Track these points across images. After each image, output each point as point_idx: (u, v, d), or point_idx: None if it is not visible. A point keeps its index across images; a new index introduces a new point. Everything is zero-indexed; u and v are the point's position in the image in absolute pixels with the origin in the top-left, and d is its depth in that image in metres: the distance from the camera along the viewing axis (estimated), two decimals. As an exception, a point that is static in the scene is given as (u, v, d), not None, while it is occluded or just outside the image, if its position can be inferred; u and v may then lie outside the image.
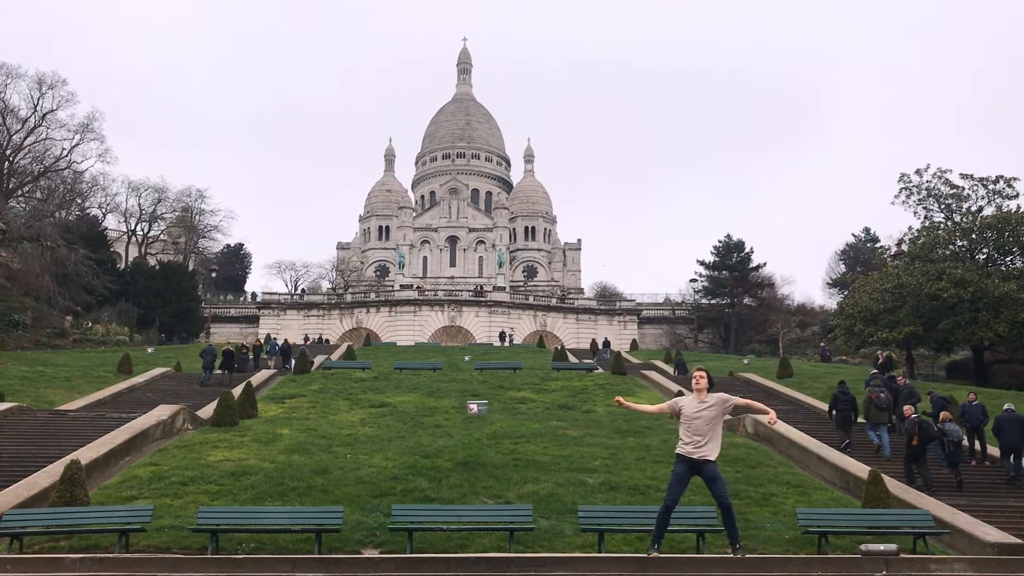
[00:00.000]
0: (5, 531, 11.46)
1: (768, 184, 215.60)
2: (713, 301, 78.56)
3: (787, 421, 21.63)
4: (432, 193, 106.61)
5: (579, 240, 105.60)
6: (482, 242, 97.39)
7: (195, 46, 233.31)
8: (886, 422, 20.15)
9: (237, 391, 24.02)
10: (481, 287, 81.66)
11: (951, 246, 40.20)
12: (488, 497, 14.55)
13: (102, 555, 10.51)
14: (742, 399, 9.93)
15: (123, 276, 62.56)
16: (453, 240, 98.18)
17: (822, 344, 59.11)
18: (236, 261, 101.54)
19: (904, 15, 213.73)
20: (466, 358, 42.72)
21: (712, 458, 9.33)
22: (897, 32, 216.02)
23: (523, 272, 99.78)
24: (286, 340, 48.36)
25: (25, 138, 60.08)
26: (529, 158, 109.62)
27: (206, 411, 22.98)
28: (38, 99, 59.91)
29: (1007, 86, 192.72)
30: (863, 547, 10.18)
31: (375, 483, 15.11)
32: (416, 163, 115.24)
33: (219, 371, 32.84)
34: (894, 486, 14.72)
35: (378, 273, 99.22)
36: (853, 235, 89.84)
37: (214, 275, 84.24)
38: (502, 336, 65.85)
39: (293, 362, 35.77)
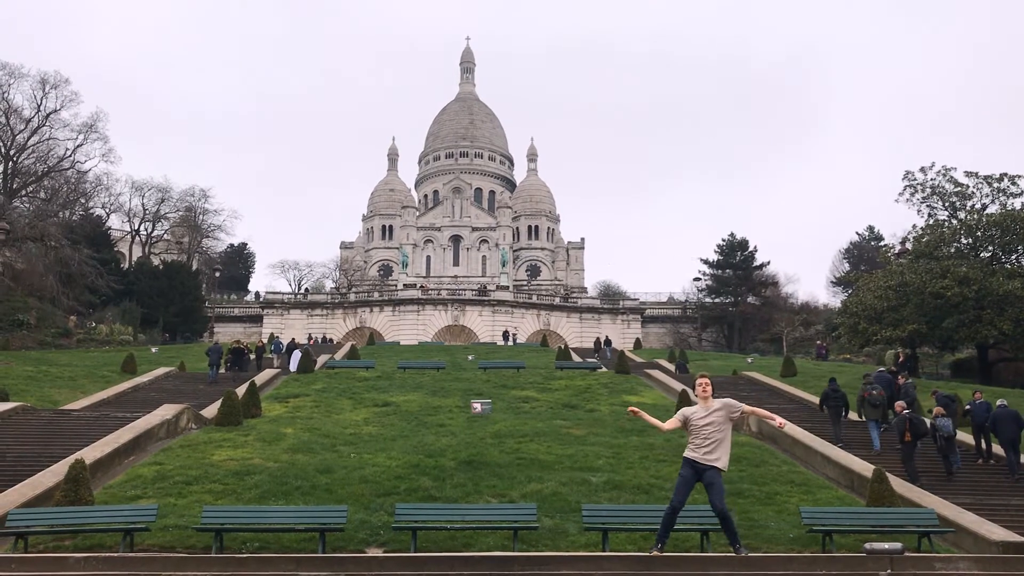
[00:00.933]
0: (10, 530, 11.47)
1: (772, 182, 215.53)
2: (717, 300, 78.48)
3: (791, 420, 21.60)
4: (435, 192, 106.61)
5: (582, 239, 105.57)
6: (485, 241, 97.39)
7: (198, 45, 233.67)
8: (879, 418, 20.44)
9: (241, 390, 24.05)
10: (484, 286, 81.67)
11: (955, 244, 40.13)
12: (492, 496, 14.55)
13: (107, 554, 10.52)
14: (749, 406, 9.96)
15: (127, 276, 62.62)
16: (456, 239, 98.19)
17: (818, 342, 59.07)
18: (240, 261, 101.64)
19: (904, 6, 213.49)
20: (470, 357, 42.71)
21: (720, 467, 9.40)
22: (896, 24, 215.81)
23: (526, 271, 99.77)
24: (292, 339, 48.63)
25: (29, 138, 60.27)
26: (532, 157, 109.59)
27: (210, 410, 23.01)
28: (41, 99, 60.16)
29: (1013, 77, 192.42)
30: (868, 546, 10.17)
31: (379, 482, 15.11)
32: (419, 162, 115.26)
33: (223, 371, 33.02)
34: (899, 485, 14.70)
35: (381, 272, 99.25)
36: (857, 233, 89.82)
37: (218, 275, 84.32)
38: (505, 335, 65.86)
39: (293, 361, 35.49)
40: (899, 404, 17.99)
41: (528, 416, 23.69)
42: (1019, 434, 17.55)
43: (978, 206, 41.80)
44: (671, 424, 9.83)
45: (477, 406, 23.92)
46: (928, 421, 17.76)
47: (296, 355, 35.64)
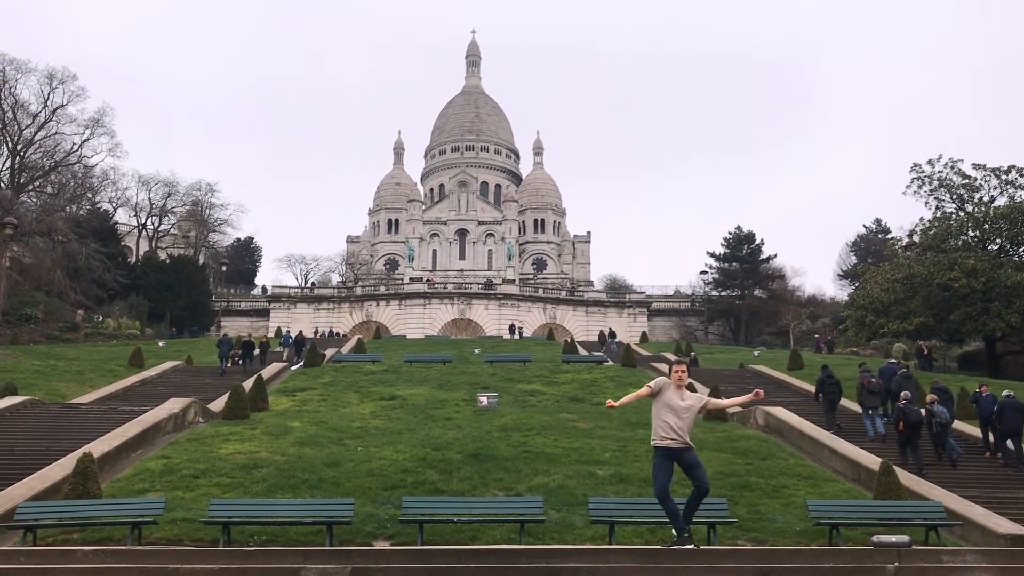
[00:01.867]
0: (19, 523, 11.52)
1: (779, 175, 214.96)
2: (723, 293, 78.41)
3: (797, 413, 21.60)
4: (441, 186, 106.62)
5: (588, 232, 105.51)
6: (491, 235, 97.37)
7: (202, 38, 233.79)
8: (877, 406, 20.83)
9: (248, 384, 24.10)
10: (491, 280, 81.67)
11: (963, 236, 39.99)
12: (498, 489, 14.56)
13: (115, 547, 10.56)
14: (724, 400, 9.89)
15: (134, 270, 62.76)
16: (462, 233, 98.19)
17: (816, 336, 59.00)
18: (246, 255, 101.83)
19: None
20: (476, 351, 42.74)
21: (684, 444, 9.28)
22: (901, 13, 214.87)
23: (532, 265, 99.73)
24: (300, 332, 49.07)
25: (36, 133, 60.37)
26: (538, 150, 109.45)
27: (217, 404, 23.05)
28: (48, 94, 60.21)
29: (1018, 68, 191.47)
30: (875, 539, 10.17)
31: (386, 475, 15.13)
32: (425, 156, 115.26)
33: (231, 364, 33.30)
34: (906, 477, 14.67)
35: (388, 266, 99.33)
36: (864, 226, 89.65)
37: (224, 269, 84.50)
38: (512, 329, 65.85)
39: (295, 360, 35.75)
40: (903, 395, 18.08)
41: (534, 409, 23.69)
42: (1020, 425, 17.66)
43: (986, 198, 41.61)
44: (644, 390, 9.73)
45: (483, 400, 23.93)
46: (923, 409, 18.03)
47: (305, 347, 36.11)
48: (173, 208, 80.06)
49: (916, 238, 43.03)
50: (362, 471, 15.40)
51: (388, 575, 8.81)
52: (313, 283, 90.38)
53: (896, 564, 9.22)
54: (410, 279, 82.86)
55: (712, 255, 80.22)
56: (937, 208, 43.34)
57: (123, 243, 70.34)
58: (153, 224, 78.90)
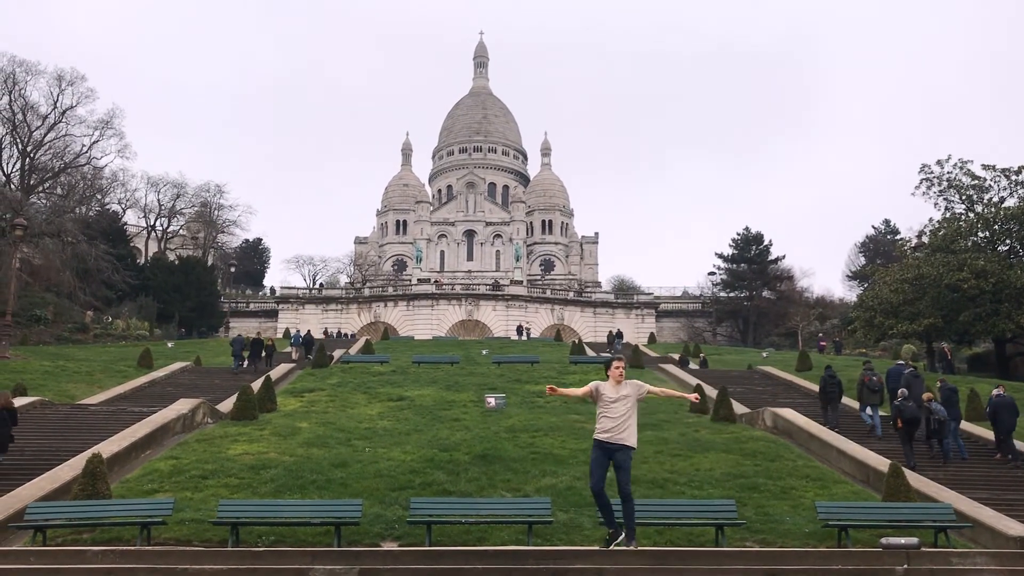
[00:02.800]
0: (29, 523, 11.57)
1: (788, 176, 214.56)
2: (731, 294, 78.27)
3: (806, 414, 21.57)
4: (449, 187, 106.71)
5: (596, 233, 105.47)
6: (499, 236, 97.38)
7: (210, 40, 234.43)
8: (878, 403, 21.20)
9: (256, 385, 24.14)
10: (498, 281, 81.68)
11: (972, 237, 39.81)
12: (506, 490, 14.56)
13: (124, 548, 10.59)
14: (660, 388, 10.05)
15: (143, 271, 62.98)
16: (470, 234, 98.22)
17: (820, 335, 58.83)
18: (255, 256, 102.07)
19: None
20: (483, 352, 42.73)
21: (630, 444, 9.40)
22: (902, 11, 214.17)
23: (540, 266, 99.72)
24: (309, 331, 49.43)
25: (46, 135, 60.65)
26: (546, 151, 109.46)
27: (226, 405, 23.11)
28: (58, 96, 60.50)
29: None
30: (884, 540, 10.13)
31: (394, 476, 15.14)
32: (433, 157, 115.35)
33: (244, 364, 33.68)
34: (915, 479, 14.61)
35: (395, 267, 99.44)
36: (873, 227, 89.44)
37: (233, 270, 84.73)
38: (519, 330, 65.85)
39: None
40: (900, 392, 18.51)
41: (542, 410, 23.68)
42: (1015, 422, 18.06)
43: (995, 199, 41.37)
44: (583, 391, 9.80)
45: (491, 400, 23.92)
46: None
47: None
48: (182, 209, 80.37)
49: (925, 239, 42.86)
50: (370, 472, 15.41)
51: (396, 575, 8.82)
52: (321, 284, 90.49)
53: (905, 566, 9.20)
54: (418, 280, 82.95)
55: (720, 256, 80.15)
56: (946, 209, 43.14)
57: (132, 244, 70.59)
58: (162, 225, 79.19)
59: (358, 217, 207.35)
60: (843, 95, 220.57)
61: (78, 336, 48.76)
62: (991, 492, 15.33)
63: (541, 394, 27.12)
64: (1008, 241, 39.43)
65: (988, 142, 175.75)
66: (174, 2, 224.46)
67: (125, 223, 72.41)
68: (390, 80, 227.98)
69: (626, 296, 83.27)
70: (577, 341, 49.56)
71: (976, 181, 42.06)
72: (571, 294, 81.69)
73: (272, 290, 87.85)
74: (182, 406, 20.94)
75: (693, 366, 40.05)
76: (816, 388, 28.63)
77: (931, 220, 43.75)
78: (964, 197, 42.43)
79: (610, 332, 64.06)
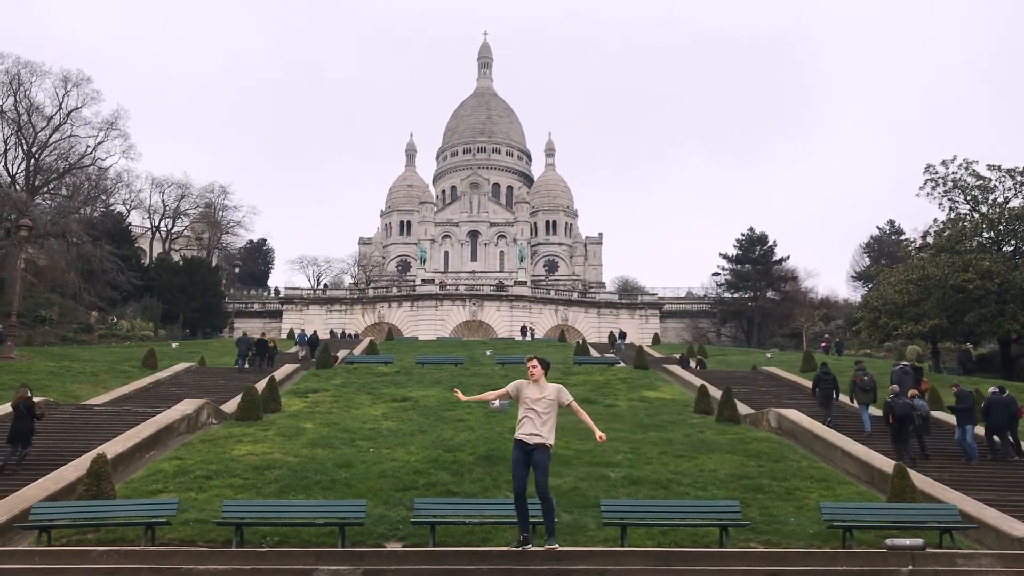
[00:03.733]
0: (34, 524, 11.58)
1: (792, 177, 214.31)
2: (736, 295, 78.21)
3: (811, 415, 21.53)
4: (453, 188, 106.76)
5: (600, 234, 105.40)
6: (503, 236, 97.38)
7: (212, 41, 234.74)
8: (870, 402, 21.51)
9: (260, 385, 24.15)
10: (502, 282, 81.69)
11: (977, 238, 39.73)
12: (510, 491, 14.50)
13: (128, 548, 10.61)
14: (579, 407, 9.70)
15: (147, 272, 63.10)
16: (474, 235, 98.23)
17: (826, 335, 58.77)
18: (259, 256, 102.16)
19: None
20: (487, 352, 42.72)
21: (549, 443, 9.35)
22: (904, 8, 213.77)
23: (544, 266, 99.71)
24: (315, 332, 49.81)
25: (51, 135, 60.80)
26: (550, 152, 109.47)
27: (230, 405, 23.11)
28: (63, 97, 60.62)
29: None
30: (889, 541, 10.11)
31: (398, 477, 15.14)
32: (437, 158, 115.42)
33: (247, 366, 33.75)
34: (920, 480, 14.58)
35: (400, 268, 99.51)
36: (878, 227, 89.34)
37: (237, 270, 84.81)
38: (523, 330, 65.87)
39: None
40: (891, 388, 18.98)
41: (546, 411, 23.61)
42: (1009, 420, 18.31)
43: (1000, 200, 41.29)
44: (500, 393, 9.86)
45: (495, 402, 23.87)
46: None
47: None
48: (186, 210, 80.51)
49: (930, 239, 42.77)
50: (374, 472, 15.41)
51: (400, 576, 8.81)
52: (325, 285, 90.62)
53: (910, 567, 9.18)
54: (422, 281, 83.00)
55: (724, 256, 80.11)
56: (951, 209, 43.07)
57: (137, 245, 70.70)
58: (166, 226, 79.32)
59: (362, 218, 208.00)
60: (845, 94, 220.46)
61: (83, 337, 48.83)
62: (996, 493, 15.29)
63: (545, 395, 27.07)
64: (1013, 241, 39.34)
65: (992, 140, 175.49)
66: (178, 2, 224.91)
67: (130, 224, 72.55)
68: (394, 81, 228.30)
69: (630, 297, 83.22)
70: (581, 342, 49.50)
71: (981, 181, 41.97)
72: (575, 295, 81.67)
73: (276, 291, 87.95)
74: (186, 407, 20.96)
75: (692, 365, 40.08)
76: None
77: (936, 221, 43.71)
78: (969, 197, 42.33)
79: (611, 332, 64.05)
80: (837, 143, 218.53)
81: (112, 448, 16.17)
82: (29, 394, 16.98)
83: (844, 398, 23.66)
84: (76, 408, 23.12)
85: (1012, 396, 18.95)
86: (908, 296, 38.64)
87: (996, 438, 18.54)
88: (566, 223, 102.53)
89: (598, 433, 9.65)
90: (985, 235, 39.73)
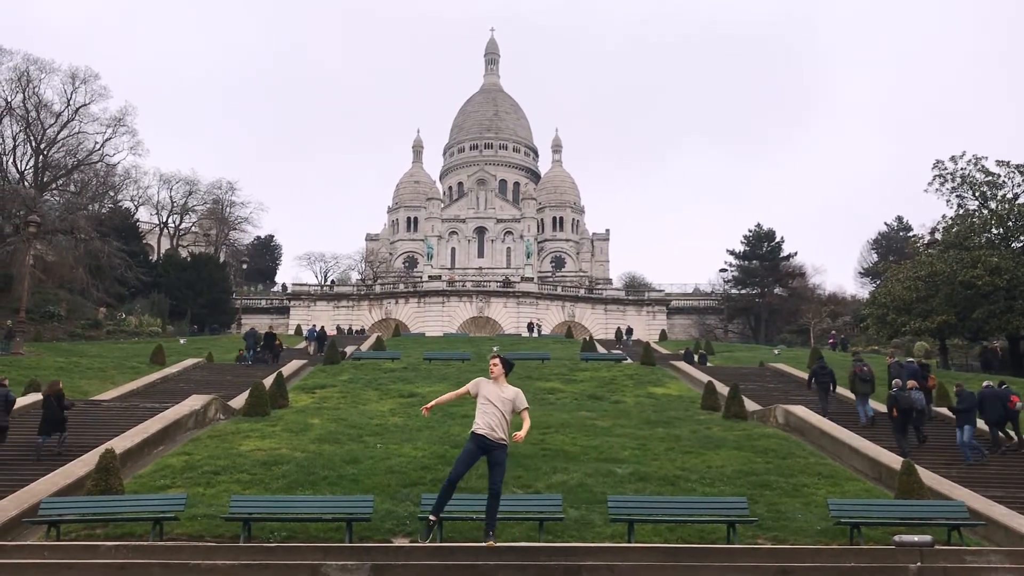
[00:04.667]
0: (43, 519, 11.64)
1: (800, 173, 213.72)
2: (743, 291, 78.07)
3: (817, 411, 21.49)
4: (460, 184, 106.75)
5: (607, 230, 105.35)
6: (510, 233, 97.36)
7: (217, 37, 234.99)
8: (869, 392, 21.89)
9: (268, 381, 24.19)
10: (509, 278, 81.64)
11: (986, 234, 39.56)
12: (518, 487, 14.55)
13: (137, 542, 10.65)
14: (527, 417, 9.71)
15: (155, 268, 63.27)
16: (481, 231, 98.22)
17: (833, 331, 58.65)
18: (266, 253, 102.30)
19: None
20: (494, 349, 42.69)
21: (507, 442, 9.43)
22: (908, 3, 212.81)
23: (551, 263, 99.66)
24: (322, 327, 50.39)
25: (59, 132, 60.88)
26: (557, 148, 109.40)
27: (238, 401, 23.17)
28: (71, 93, 60.71)
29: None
30: (897, 538, 10.08)
31: (405, 472, 15.16)
32: (444, 154, 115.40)
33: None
34: (928, 477, 14.54)
35: (407, 264, 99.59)
36: (886, 224, 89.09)
37: (245, 267, 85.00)
38: (530, 327, 65.85)
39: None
40: (894, 382, 19.50)
41: (553, 407, 23.67)
42: (1004, 414, 18.59)
43: (1009, 195, 41.08)
44: (460, 392, 9.94)
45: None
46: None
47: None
48: (194, 206, 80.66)
49: (938, 235, 42.62)
50: (381, 468, 15.44)
51: (408, 572, 8.82)
52: (333, 281, 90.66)
53: (918, 564, 9.15)
54: (429, 277, 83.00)
55: (732, 253, 79.96)
56: (960, 205, 42.88)
57: (145, 241, 70.88)
58: (174, 222, 79.48)
59: (369, 214, 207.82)
60: (852, 88, 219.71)
61: (91, 333, 48.96)
62: (1005, 490, 15.25)
63: (552, 391, 27.11)
64: (1022, 238, 39.16)
65: (1003, 134, 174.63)
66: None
67: (138, 220, 72.74)
68: (401, 77, 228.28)
69: (637, 293, 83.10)
70: (588, 338, 49.49)
71: (990, 177, 41.75)
72: (582, 291, 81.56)
73: (284, 287, 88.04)
74: (194, 402, 21.02)
75: (695, 360, 40.09)
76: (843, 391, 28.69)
77: (944, 217, 43.53)
78: (978, 193, 42.12)
79: (618, 328, 64.02)
80: (845, 139, 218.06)
81: (120, 443, 16.23)
82: (60, 386, 17.80)
83: (841, 390, 24.32)
84: (85, 404, 23.16)
85: (1007, 389, 19.15)
86: (916, 292, 38.53)
87: (1000, 433, 18.71)
88: (573, 219, 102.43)
89: (522, 432, 9.59)
90: (994, 231, 39.55)
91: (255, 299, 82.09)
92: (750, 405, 23.51)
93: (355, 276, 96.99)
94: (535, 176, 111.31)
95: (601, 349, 44.46)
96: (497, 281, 79.78)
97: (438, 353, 37.27)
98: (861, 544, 11.31)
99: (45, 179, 59.84)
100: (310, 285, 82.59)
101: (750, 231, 79.65)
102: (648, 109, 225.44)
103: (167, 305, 58.64)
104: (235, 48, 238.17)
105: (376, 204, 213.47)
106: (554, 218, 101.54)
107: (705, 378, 28.25)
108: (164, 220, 78.62)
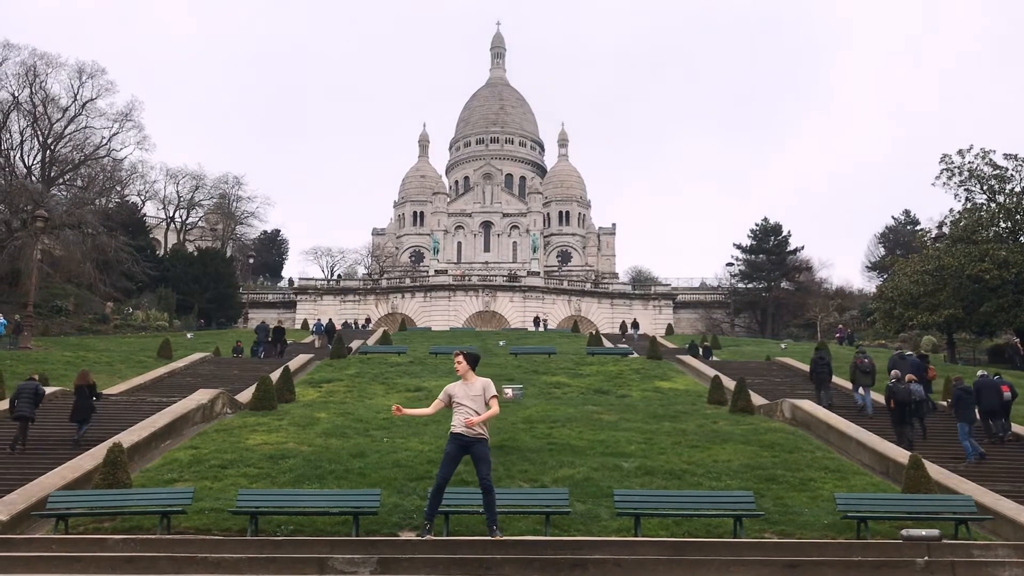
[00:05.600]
0: (51, 512, 11.69)
1: (807, 165, 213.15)
2: (750, 285, 77.93)
3: (834, 409, 21.49)
4: (466, 178, 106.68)
5: (613, 224, 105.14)
6: (516, 227, 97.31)
7: (225, 31, 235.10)
8: (870, 384, 22.37)
9: (275, 375, 24.24)
10: (515, 272, 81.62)
11: (994, 227, 39.38)
12: (524, 481, 14.57)
13: (144, 536, 10.69)
14: (496, 405, 9.46)
15: (162, 263, 63.40)
16: (487, 225, 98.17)
17: (840, 326, 58.55)
18: (273, 247, 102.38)
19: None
20: (501, 343, 42.74)
21: (485, 436, 9.39)
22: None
23: (557, 257, 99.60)
24: (331, 320, 51.14)
25: (66, 127, 61.02)
26: (563, 142, 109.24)
27: (245, 395, 23.22)
28: (78, 88, 60.84)
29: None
30: (904, 532, 10.07)
31: (412, 466, 15.18)
32: (450, 148, 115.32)
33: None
34: (935, 471, 14.51)
35: (413, 258, 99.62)
36: (893, 218, 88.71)
37: (251, 261, 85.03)
38: (536, 321, 65.85)
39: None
40: (892, 373, 19.63)
41: (559, 401, 23.67)
42: (1000, 402, 18.74)
43: (1018, 189, 40.89)
44: (436, 406, 9.74)
45: (508, 391, 23.88)
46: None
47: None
48: (201, 201, 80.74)
49: (946, 229, 42.48)
50: (388, 462, 15.45)
51: (414, 565, 8.84)
52: (339, 275, 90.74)
53: (926, 558, 9.14)
54: (435, 271, 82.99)
55: (738, 247, 79.80)
56: (967, 199, 42.70)
57: (151, 236, 71.04)
58: (181, 217, 79.59)
59: (375, 209, 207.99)
60: (860, 82, 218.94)
61: (98, 327, 49.16)
62: (1012, 484, 15.20)
63: (558, 385, 27.12)
64: (1030, 231, 39.01)
65: (1010, 127, 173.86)
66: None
67: (144, 215, 72.87)
68: (407, 71, 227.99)
69: (643, 287, 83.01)
70: (594, 332, 49.48)
71: (998, 171, 41.52)
72: (588, 285, 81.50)
73: (290, 281, 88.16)
74: (201, 396, 21.07)
75: (699, 353, 40.17)
76: (836, 380, 28.67)
77: (952, 210, 43.36)
78: (986, 187, 41.91)
79: (623, 322, 63.98)
80: (852, 133, 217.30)
81: (128, 437, 16.28)
82: (92, 379, 18.49)
83: (842, 381, 25.11)
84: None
85: (1001, 378, 19.31)
86: (923, 286, 38.44)
87: (990, 420, 18.86)
88: (579, 214, 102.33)
89: (476, 418, 9.34)
90: (1002, 225, 39.37)
91: (262, 293, 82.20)
92: (756, 399, 23.49)
93: (361, 271, 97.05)
94: (541, 170, 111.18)
95: (607, 344, 44.44)
96: (503, 275, 79.76)
97: (444, 347, 37.25)
98: (868, 538, 11.28)
99: (52, 174, 59.98)
100: (316, 280, 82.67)
101: (757, 225, 79.51)
102: (654, 104, 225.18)
103: (174, 300, 58.79)
104: (241, 43, 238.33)
105: (382, 199, 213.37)
106: (560, 212, 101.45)
107: (711, 372, 28.23)
108: (171, 215, 78.76)
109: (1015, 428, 19.61)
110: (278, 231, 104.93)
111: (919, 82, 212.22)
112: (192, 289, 61.95)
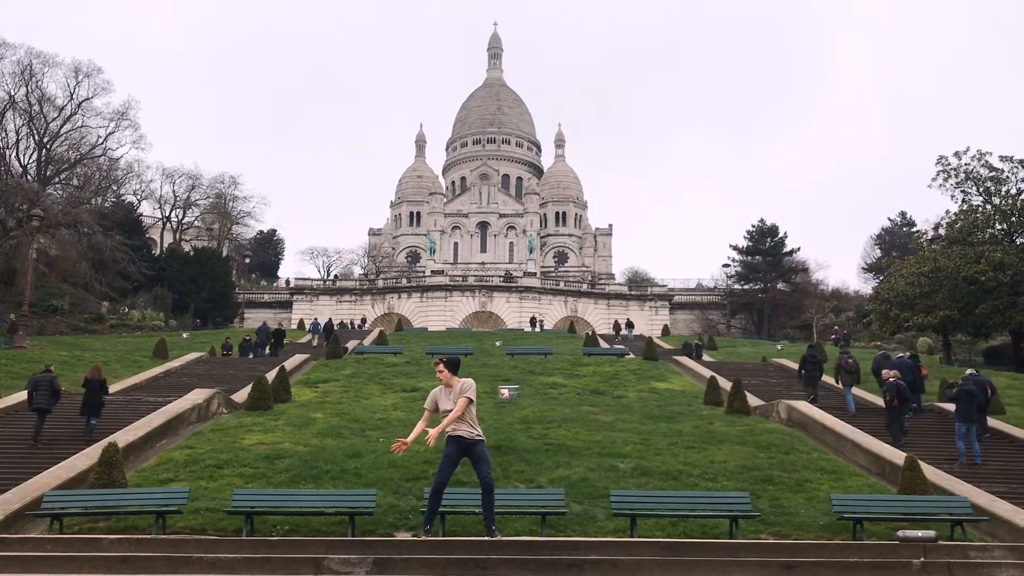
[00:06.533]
0: (46, 512, 11.65)
1: (804, 167, 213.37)
2: (746, 286, 78.01)
3: (821, 407, 21.47)
4: (463, 179, 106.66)
5: (610, 225, 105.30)
6: (512, 228, 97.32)
7: (222, 31, 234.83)
8: (853, 383, 22.55)
9: (271, 375, 24.20)
10: (511, 273, 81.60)
11: (990, 229, 39.44)
12: (520, 482, 14.55)
13: (139, 536, 10.66)
14: (469, 404, 9.43)
15: (158, 262, 63.31)
16: (483, 226, 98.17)
17: (836, 327, 58.64)
18: (269, 247, 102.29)
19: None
20: (497, 343, 42.72)
21: (482, 437, 9.51)
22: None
23: (554, 257, 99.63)
24: (330, 319, 51.58)
25: (62, 126, 60.86)
26: (560, 143, 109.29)
27: (240, 395, 23.18)
28: (74, 87, 60.71)
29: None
30: (901, 533, 10.07)
31: (407, 467, 15.15)
32: (447, 149, 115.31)
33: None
34: (931, 472, 14.52)
35: (409, 259, 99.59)
36: (889, 219, 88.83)
37: (247, 261, 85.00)
38: (533, 322, 65.86)
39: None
40: (886, 372, 19.73)
41: (556, 402, 23.66)
42: (988, 400, 19.05)
43: (1013, 191, 40.98)
44: (427, 417, 9.78)
45: (505, 392, 23.90)
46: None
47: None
48: (197, 200, 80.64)
49: (942, 231, 42.53)
50: (384, 462, 15.43)
51: (410, 566, 8.82)
52: (335, 275, 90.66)
53: (922, 559, 9.14)
54: (431, 272, 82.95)
55: (735, 248, 79.89)
56: (964, 201, 42.77)
57: (147, 235, 70.89)
58: (177, 216, 79.49)
59: (372, 209, 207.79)
60: (857, 83, 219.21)
61: (94, 326, 49.07)
62: (1008, 486, 15.22)
63: (555, 385, 27.10)
64: (1026, 233, 39.07)
65: (1006, 128, 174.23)
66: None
67: (140, 214, 72.75)
68: (404, 72, 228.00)
69: (640, 288, 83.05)
70: (591, 333, 49.48)
71: (994, 173, 41.63)
72: (585, 286, 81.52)
73: (287, 281, 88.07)
74: (197, 396, 21.02)
75: (693, 354, 40.15)
76: (830, 380, 28.69)
77: (948, 212, 43.47)
78: (982, 189, 42.02)
79: (616, 322, 63.96)
80: (848, 134, 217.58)
81: (123, 437, 16.24)
82: (103, 374, 18.67)
83: (827, 379, 25.71)
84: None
85: (985, 378, 19.73)
86: (919, 288, 38.48)
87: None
88: (576, 214, 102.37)
89: (435, 430, 9.49)
90: (998, 226, 39.43)
91: (258, 293, 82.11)
92: (753, 400, 23.49)
93: (358, 271, 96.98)
94: (538, 171, 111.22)
95: (604, 344, 44.43)
96: (499, 276, 79.77)
97: (441, 348, 37.27)
98: (864, 539, 11.29)
99: (48, 173, 59.84)
100: (313, 280, 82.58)
101: (753, 226, 79.57)
102: (651, 104, 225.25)
103: (170, 299, 58.70)
104: (238, 42, 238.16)
105: (379, 199, 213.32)
106: (557, 213, 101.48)
107: (708, 373, 28.23)
108: (167, 214, 78.64)
109: (1014, 430, 19.66)
110: (274, 231, 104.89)
111: (916, 84, 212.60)
112: (188, 289, 61.86)
